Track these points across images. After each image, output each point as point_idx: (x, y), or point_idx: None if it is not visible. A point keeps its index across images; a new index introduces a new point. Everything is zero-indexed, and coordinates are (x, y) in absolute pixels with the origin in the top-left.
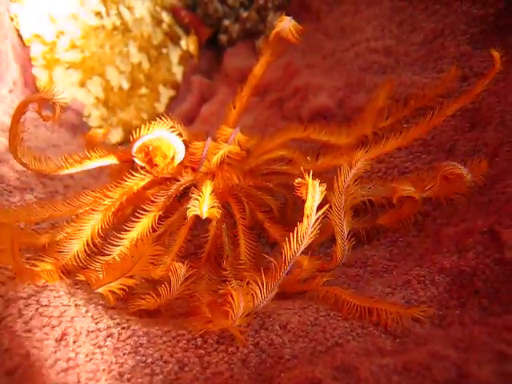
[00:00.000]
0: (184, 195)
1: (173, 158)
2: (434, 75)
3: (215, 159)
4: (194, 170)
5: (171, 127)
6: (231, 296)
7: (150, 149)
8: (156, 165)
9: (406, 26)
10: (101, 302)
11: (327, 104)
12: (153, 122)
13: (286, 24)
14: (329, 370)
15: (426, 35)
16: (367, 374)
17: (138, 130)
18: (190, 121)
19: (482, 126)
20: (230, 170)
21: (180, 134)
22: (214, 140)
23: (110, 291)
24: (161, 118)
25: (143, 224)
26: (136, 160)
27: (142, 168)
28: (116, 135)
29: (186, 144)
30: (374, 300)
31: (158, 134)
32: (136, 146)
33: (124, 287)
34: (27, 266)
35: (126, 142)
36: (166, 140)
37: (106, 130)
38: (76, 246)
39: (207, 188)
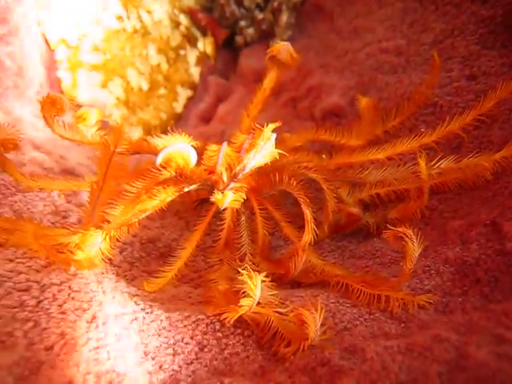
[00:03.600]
0: (203, 202)
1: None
2: (443, 74)
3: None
4: (210, 172)
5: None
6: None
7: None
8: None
9: (416, 27)
10: (125, 290)
11: (339, 103)
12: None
13: (283, 49)
14: (337, 350)
15: (436, 35)
16: (373, 354)
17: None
18: (207, 120)
19: (487, 123)
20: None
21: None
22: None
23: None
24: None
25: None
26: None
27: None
28: (136, 134)
29: (200, 150)
30: (382, 288)
31: (173, 146)
32: (159, 158)
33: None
34: (60, 255)
35: None
36: (180, 150)
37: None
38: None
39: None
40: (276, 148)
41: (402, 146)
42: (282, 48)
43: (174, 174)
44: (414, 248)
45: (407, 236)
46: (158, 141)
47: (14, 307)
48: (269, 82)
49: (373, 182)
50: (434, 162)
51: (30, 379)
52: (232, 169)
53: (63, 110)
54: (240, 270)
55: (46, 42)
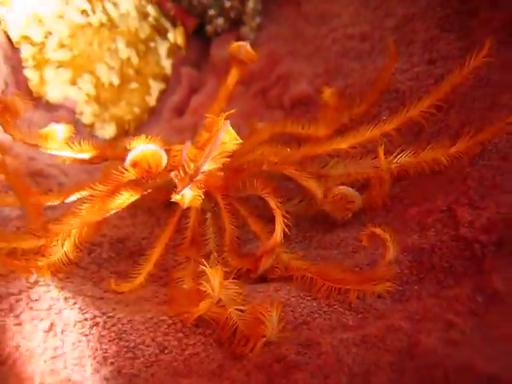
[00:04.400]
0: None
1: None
2: (405, 59)
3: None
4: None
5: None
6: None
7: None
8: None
9: (379, 11)
10: (90, 293)
11: (307, 91)
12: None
13: (241, 49)
14: (294, 346)
15: (398, 20)
16: (328, 347)
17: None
18: (181, 112)
19: (445, 109)
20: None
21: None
22: (193, 144)
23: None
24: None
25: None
26: (130, 170)
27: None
28: (109, 130)
29: (167, 150)
30: (344, 280)
31: (143, 147)
32: (128, 159)
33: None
34: (18, 263)
35: (120, 136)
36: (150, 152)
37: None
38: (65, 245)
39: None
40: (249, 138)
41: (363, 135)
42: (241, 48)
43: (137, 175)
44: (391, 252)
45: (384, 240)
46: (127, 142)
47: None
48: (231, 78)
49: (336, 176)
50: (392, 157)
51: None
52: (191, 174)
53: (18, 112)
54: (203, 268)
55: (9, 39)
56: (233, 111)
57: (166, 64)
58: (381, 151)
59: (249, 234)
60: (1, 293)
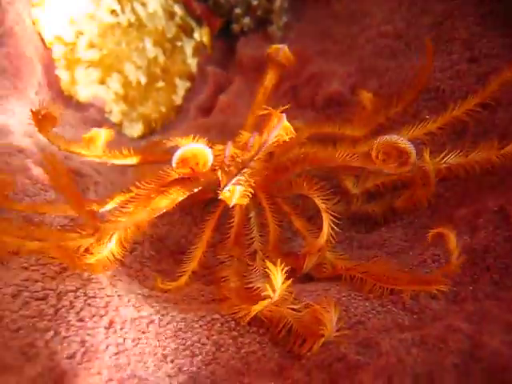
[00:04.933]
0: (211, 202)
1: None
2: (444, 57)
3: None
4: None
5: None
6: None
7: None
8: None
9: (415, 9)
10: (139, 291)
11: (340, 91)
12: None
13: (280, 51)
14: (352, 345)
15: (435, 17)
16: (388, 347)
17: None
18: (207, 111)
19: (492, 107)
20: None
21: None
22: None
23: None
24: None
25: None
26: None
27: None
28: (137, 129)
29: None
30: (394, 279)
31: (192, 145)
32: (175, 158)
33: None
34: (76, 260)
35: (147, 135)
36: (197, 150)
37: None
38: (112, 244)
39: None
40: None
41: (406, 134)
42: (279, 49)
43: (183, 174)
44: (455, 250)
45: (449, 238)
46: (168, 143)
47: (34, 317)
48: (269, 81)
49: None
50: (439, 157)
51: None
52: (238, 165)
53: (56, 120)
54: (267, 267)
55: (42, 40)
56: (287, 107)
57: (192, 62)
58: (426, 152)
59: (287, 232)
60: (60, 290)
